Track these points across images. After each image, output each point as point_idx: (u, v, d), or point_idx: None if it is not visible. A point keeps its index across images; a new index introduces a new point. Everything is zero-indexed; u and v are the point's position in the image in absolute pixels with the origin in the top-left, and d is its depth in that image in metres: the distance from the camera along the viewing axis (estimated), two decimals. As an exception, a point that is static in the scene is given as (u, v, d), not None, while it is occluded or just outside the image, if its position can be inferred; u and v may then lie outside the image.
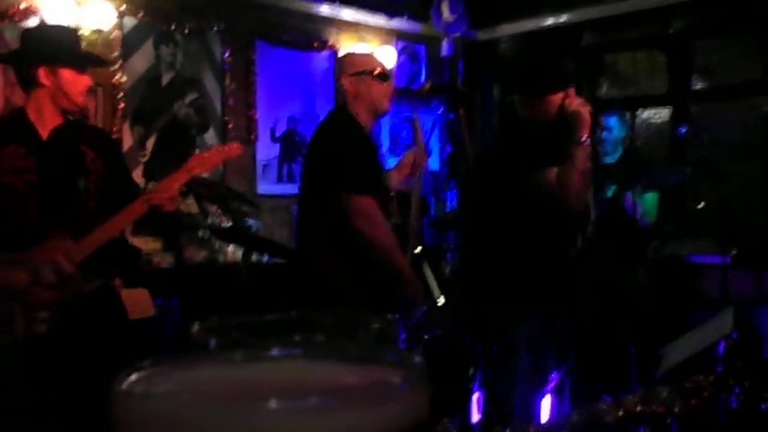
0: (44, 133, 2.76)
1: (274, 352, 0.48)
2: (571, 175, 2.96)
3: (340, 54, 3.42)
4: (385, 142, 6.61)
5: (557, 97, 3.09)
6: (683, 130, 4.96)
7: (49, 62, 2.71)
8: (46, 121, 2.76)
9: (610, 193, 4.47)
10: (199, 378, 0.45)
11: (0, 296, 2.51)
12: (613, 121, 4.65)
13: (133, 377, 0.42)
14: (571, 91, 3.12)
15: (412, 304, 2.81)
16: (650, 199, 4.57)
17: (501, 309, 3.16)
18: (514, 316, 3.12)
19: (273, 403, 0.38)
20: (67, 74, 2.73)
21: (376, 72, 3.08)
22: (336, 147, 2.93)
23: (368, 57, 3.32)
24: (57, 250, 2.59)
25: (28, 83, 2.76)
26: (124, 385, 0.41)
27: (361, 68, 3.08)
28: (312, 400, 0.39)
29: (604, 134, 4.55)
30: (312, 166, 3.08)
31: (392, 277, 2.85)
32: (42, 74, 2.71)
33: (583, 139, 2.99)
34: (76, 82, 2.75)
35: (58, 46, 2.76)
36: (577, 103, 3.03)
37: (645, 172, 4.42)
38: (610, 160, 4.62)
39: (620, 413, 1.76)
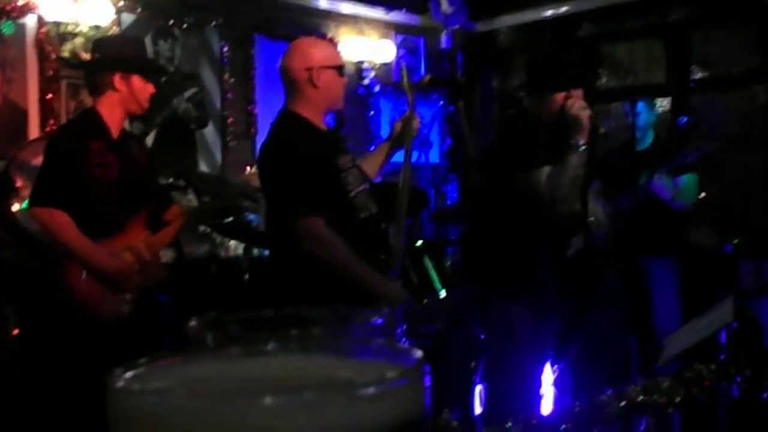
0: (114, 134, 3.06)
1: (271, 347, 0.48)
2: (561, 179, 2.94)
3: (297, 42, 2.98)
4: (384, 135, 6.60)
5: (560, 97, 3.08)
6: (684, 119, 4.94)
7: (124, 70, 3.02)
8: (114, 123, 3.06)
9: (643, 180, 4.47)
10: (195, 374, 0.45)
11: (99, 279, 2.88)
12: (641, 107, 4.63)
13: (129, 374, 0.42)
14: (577, 92, 3.10)
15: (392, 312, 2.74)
16: (688, 180, 4.54)
17: (498, 302, 3.16)
18: (510, 310, 3.12)
19: (268, 400, 0.38)
20: (137, 81, 3.05)
21: (338, 65, 2.84)
22: (282, 166, 2.70)
23: (329, 48, 3.05)
24: (137, 240, 3.02)
25: (101, 88, 3.04)
26: (120, 382, 0.41)
27: (333, 62, 2.82)
28: (307, 396, 0.39)
29: (635, 120, 4.53)
30: (263, 181, 2.91)
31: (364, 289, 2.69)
32: (116, 80, 3.01)
33: (580, 144, 2.97)
34: (144, 89, 3.07)
35: (132, 56, 3.11)
36: (578, 107, 3.01)
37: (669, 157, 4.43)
38: (641, 146, 4.60)
39: (622, 403, 1.76)
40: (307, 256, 2.66)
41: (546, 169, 3.00)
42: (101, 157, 2.96)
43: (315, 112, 2.82)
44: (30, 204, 2.95)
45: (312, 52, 2.83)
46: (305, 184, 2.68)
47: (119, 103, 3.05)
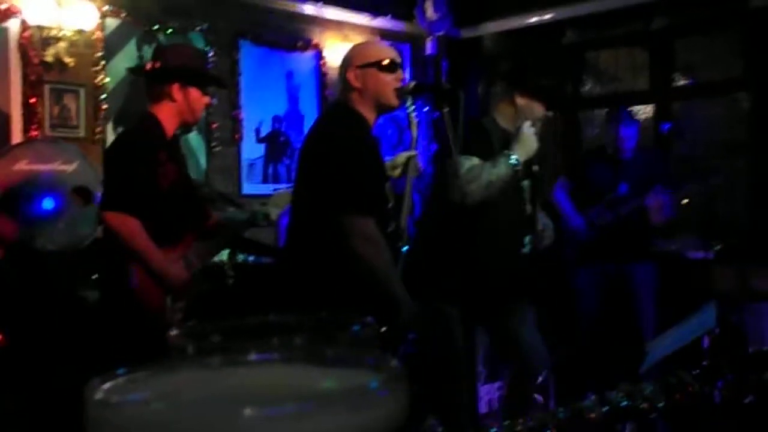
0: (168, 142, 3.10)
1: (252, 356, 0.47)
2: (479, 178, 2.90)
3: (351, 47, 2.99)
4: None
5: (523, 102, 3.10)
6: (667, 126, 4.97)
7: (183, 80, 3.03)
8: (170, 131, 3.09)
9: (623, 191, 4.50)
10: (176, 384, 0.45)
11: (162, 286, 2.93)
12: (624, 116, 4.65)
13: (108, 385, 0.42)
14: (540, 107, 3.12)
15: (403, 329, 2.70)
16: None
17: (444, 309, 3.11)
18: (454, 317, 3.06)
19: (248, 410, 0.37)
20: (194, 93, 3.06)
21: (385, 62, 2.77)
22: (339, 157, 2.62)
23: (376, 46, 3.01)
24: (189, 249, 3.07)
25: (159, 96, 3.05)
26: (99, 394, 0.41)
27: (368, 59, 2.77)
28: (288, 406, 0.38)
29: (621, 131, 4.54)
30: (310, 171, 2.79)
31: (385, 301, 2.64)
32: (175, 90, 3.03)
33: (512, 156, 2.95)
34: (200, 101, 3.10)
35: (193, 67, 3.12)
36: (532, 131, 3.01)
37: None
38: (623, 156, 4.61)
39: (605, 409, 1.77)
40: (345, 254, 2.60)
41: (474, 160, 2.96)
42: (163, 166, 3.00)
43: (365, 111, 2.78)
44: (102, 208, 2.98)
45: (351, 53, 2.86)
46: (370, 179, 2.64)
47: (176, 113, 3.07)
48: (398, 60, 2.83)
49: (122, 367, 0.45)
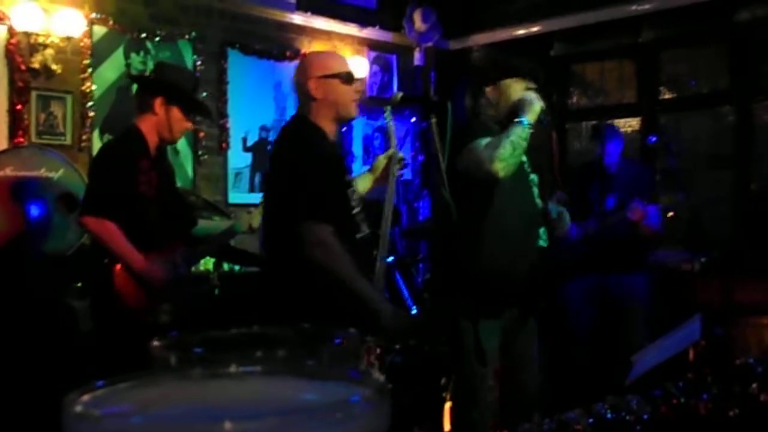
0: (153, 152, 3.17)
1: (233, 368, 0.47)
2: (501, 141, 2.87)
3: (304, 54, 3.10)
4: (357, 152, 6.61)
5: (518, 89, 3.08)
6: (653, 138, 5.00)
7: (166, 95, 3.12)
8: (152, 142, 3.16)
9: (611, 204, 4.52)
10: (156, 397, 0.44)
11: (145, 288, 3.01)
12: (609, 128, 4.69)
13: (87, 397, 0.41)
14: (531, 84, 3.10)
15: (387, 336, 2.69)
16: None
17: (466, 318, 3.11)
18: (475, 326, 3.06)
19: (228, 425, 0.37)
20: (176, 112, 3.13)
21: (346, 74, 2.82)
22: (296, 166, 2.67)
23: (336, 57, 3.02)
24: (174, 254, 3.14)
25: (144, 107, 3.15)
26: (78, 407, 0.40)
27: (329, 71, 2.79)
28: (270, 419, 0.38)
29: (606, 146, 4.56)
30: (272, 182, 2.87)
31: (363, 308, 2.63)
32: (157, 103, 3.11)
33: (524, 120, 2.92)
34: (181, 122, 3.17)
35: (181, 87, 3.19)
36: (533, 95, 3.01)
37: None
38: (610, 169, 4.64)
39: (590, 421, 1.77)
40: (309, 264, 2.60)
41: (487, 138, 2.95)
42: (146, 174, 3.09)
43: (324, 122, 2.80)
44: (81, 213, 3.07)
45: (310, 63, 2.88)
46: (318, 187, 2.64)
47: (155, 127, 3.14)
48: (355, 72, 2.92)
49: (103, 378, 0.44)
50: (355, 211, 2.82)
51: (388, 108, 3.20)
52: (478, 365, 2.99)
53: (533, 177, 3.19)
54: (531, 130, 2.95)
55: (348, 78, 2.82)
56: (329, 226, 2.62)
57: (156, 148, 3.20)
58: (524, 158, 3.03)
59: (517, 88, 3.09)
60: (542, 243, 3.15)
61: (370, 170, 3.23)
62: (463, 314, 3.06)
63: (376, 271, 2.90)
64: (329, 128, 2.81)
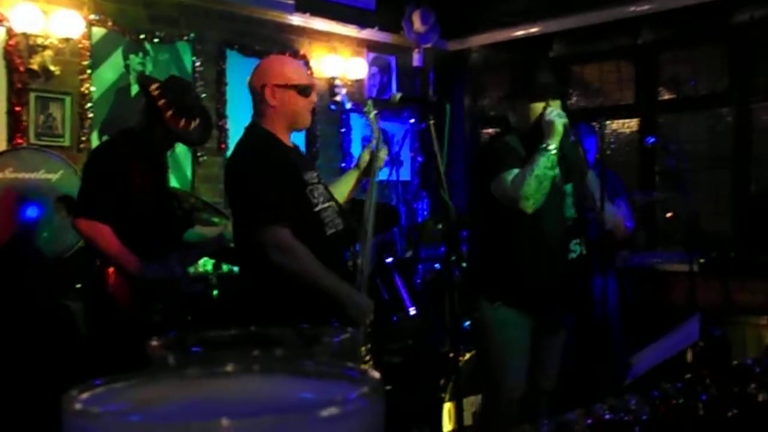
0: (153, 154, 3.24)
1: (231, 367, 0.47)
2: (526, 177, 2.94)
3: (266, 59, 3.10)
4: (356, 153, 6.60)
5: (539, 106, 3.10)
6: (651, 139, 5.00)
7: (160, 105, 3.14)
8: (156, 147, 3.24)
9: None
10: (154, 396, 0.45)
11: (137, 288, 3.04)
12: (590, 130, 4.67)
13: (85, 396, 0.41)
14: (555, 103, 3.12)
15: (358, 324, 2.70)
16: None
17: (491, 313, 3.15)
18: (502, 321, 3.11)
19: (225, 422, 0.37)
20: (173, 120, 3.17)
21: (303, 86, 2.81)
22: (248, 175, 2.71)
23: (295, 67, 2.99)
24: (171, 255, 3.16)
25: (147, 111, 3.21)
26: (77, 404, 0.41)
27: (287, 81, 2.79)
28: (267, 418, 0.38)
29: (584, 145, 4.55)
30: (229, 190, 2.90)
31: (336, 303, 2.68)
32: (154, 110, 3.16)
33: (549, 147, 2.98)
34: (174, 133, 3.20)
35: (180, 103, 3.20)
36: (555, 114, 3.03)
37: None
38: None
39: (588, 422, 1.77)
40: (273, 267, 2.63)
41: (514, 171, 3.00)
42: (141, 176, 3.12)
43: (277, 128, 2.82)
44: (74, 215, 3.11)
45: (270, 69, 2.85)
46: (269, 192, 2.66)
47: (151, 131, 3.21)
48: (312, 83, 2.91)
49: (100, 376, 0.45)
50: (324, 206, 2.80)
51: (369, 102, 3.22)
52: (502, 352, 3.05)
53: (567, 187, 3.19)
54: (557, 154, 2.97)
55: (305, 91, 2.82)
56: (286, 228, 2.63)
57: (160, 153, 3.29)
58: (556, 170, 3.05)
59: (536, 107, 3.10)
60: (572, 255, 3.16)
61: (355, 166, 3.23)
62: (485, 296, 3.11)
63: (360, 269, 2.90)
64: (282, 134, 2.83)
